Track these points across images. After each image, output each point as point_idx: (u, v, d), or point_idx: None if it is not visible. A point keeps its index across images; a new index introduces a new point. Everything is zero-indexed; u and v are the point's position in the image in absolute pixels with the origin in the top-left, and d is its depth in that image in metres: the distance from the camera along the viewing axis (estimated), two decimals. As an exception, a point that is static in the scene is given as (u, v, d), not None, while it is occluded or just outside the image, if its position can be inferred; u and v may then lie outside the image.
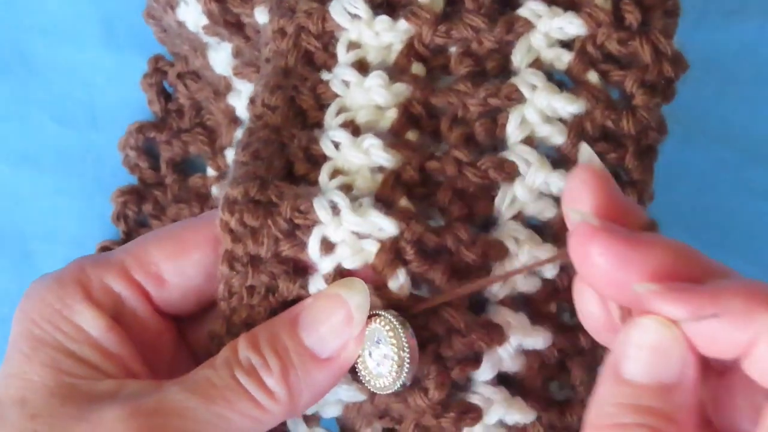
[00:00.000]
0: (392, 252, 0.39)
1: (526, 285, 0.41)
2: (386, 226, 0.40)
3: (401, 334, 0.39)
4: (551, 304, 0.42)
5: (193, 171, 0.56)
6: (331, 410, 0.42)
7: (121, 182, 0.56)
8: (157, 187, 0.55)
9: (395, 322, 0.39)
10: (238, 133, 0.49)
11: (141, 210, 0.55)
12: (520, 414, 0.41)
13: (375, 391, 0.40)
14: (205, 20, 0.49)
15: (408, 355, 0.39)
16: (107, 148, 0.57)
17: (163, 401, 0.38)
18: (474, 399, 0.40)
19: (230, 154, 0.52)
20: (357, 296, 0.39)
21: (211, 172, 0.54)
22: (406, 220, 0.40)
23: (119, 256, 0.43)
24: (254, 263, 0.41)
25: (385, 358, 0.39)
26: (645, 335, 0.32)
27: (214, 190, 0.53)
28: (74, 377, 0.40)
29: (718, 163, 0.55)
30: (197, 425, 0.38)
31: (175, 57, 0.55)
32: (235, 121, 0.52)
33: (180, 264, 0.42)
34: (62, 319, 0.41)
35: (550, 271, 0.41)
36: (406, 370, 0.39)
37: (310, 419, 0.43)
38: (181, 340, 0.44)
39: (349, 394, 0.41)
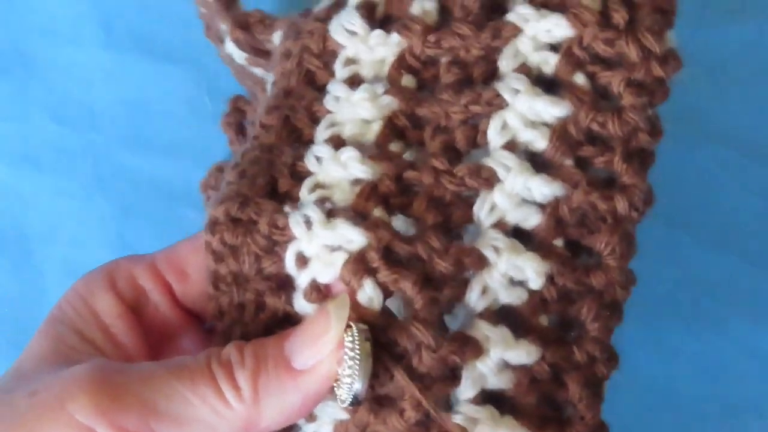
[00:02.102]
0: (359, 262, 0.38)
1: (509, 296, 0.39)
2: (355, 237, 0.39)
3: (357, 346, 0.37)
4: (541, 316, 0.40)
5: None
6: (325, 429, 0.42)
7: (122, 182, 0.56)
8: None
9: (356, 333, 0.38)
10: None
11: None
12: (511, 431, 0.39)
13: (341, 404, 0.39)
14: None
15: (358, 368, 0.37)
16: (107, 148, 0.57)
17: (131, 366, 0.39)
18: (457, 419, 0.38)
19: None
20: (339, 309, 0.38)
21: None
22: (374, 229, 0.39)
23: (153, 254, 0.44)
24: (239, 282, 0.41)
25: (344, 369, 0.38)
26: None
27: None
28: (72, 350, 0.41)
29: (718, 163, 0.55)
30: (154, 393, 0.37)
31: (251, 95, 0.55)
32: None
33: (203, 259, 0.43)
34: (82, 303, 0.42)
35: (535, 282, 0.39)
36: (356, 382, 0.37)
37: None
38: (207, 341, 0.44)
39: (333, 410, 0.40)
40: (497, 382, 0.39)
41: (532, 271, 0.39)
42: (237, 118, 0.55)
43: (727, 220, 0.54)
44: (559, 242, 0.40)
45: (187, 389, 0.38)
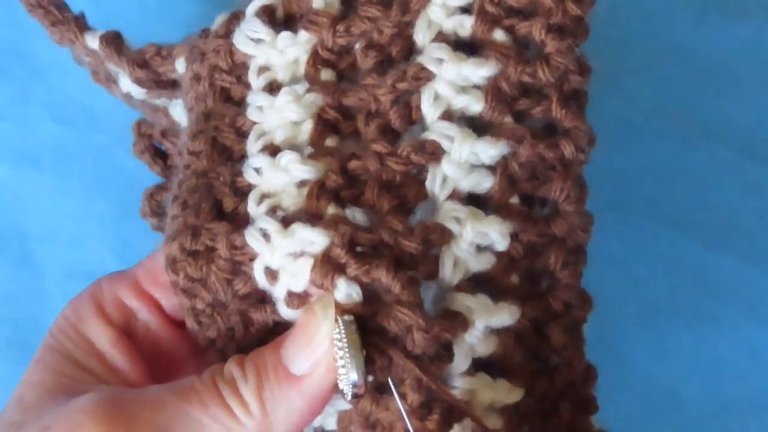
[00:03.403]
0: (326, 263, 0.38)
1: (479, 263, 0.39)
2: (315, 239, 0.38)
3: (344, 337, 0.37)
4: (512, 275, 0.40)
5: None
6: (330, 422, 0.42)
7: (122, 182, 0.56)
8: None
9: (342, 327, 0.37)
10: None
11: None
12: (507, 395, 0.39)
13: (344, 397, 0.39)
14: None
15: (350, 359, 0.37)
16: (107, 148, 0.57)
17: (139, 393, 0.39)
18: (456, 393, 0.38)
19: None
20: (326, 310, 0.38)
21: None
22: (333, 226, 0.38)
23: (133, 269, 0.44)
24: (219, 310, 0.41)
25: (338, 363, 0.38)
26: None
27: None
28: (73, 380, 0.41)
29: (718, 163, 0.55)
30: (167, 419, 0.38)
31: (153, 120, 0.55)
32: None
33: None
34: (73, 331, 0.42)
35: (501, 244, 0.39)
36: (350, 373, 0.37)
37: None
38: (202, 350, 0.44)
39: (337, 402, 0.40)
40: (485, 348, 0.39)
41: (497, 233, 0.39)
42: (146, 143, 0.55)
43: (727, 220, 0.54)
44: (515, 200, 0.40)
45: (198, 411, 0.38)
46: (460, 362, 0.38)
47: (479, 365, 0.39)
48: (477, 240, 0.39)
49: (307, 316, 0.38)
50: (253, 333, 0.41)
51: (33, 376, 0.41)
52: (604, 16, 0.57)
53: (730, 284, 0.54)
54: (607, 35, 0.56)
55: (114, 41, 0.47)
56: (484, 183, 0.40)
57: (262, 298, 0.40)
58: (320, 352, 0.38)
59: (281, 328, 0.40)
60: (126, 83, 0.48)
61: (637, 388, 0.53)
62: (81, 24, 0.48)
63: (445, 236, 0.39)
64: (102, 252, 0.56)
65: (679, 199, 0.55)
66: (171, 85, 0.48)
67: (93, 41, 0.47)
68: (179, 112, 0.49)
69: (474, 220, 0.39)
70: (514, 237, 0.39)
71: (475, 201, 0.40)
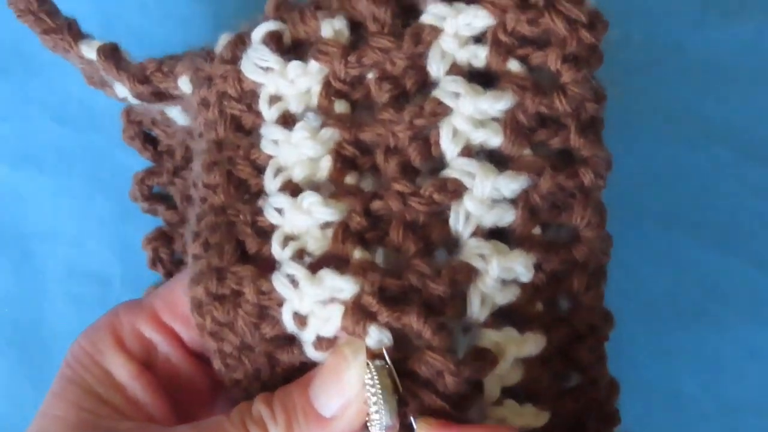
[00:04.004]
0: (357, 311, 0.38)
1: (505, 297, 0.39)
2: (345, 286, 0.38)
3: (377, 383, 0.37)
4: (536, 304, 0.40)
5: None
6: None
7: (122, 182, 0.56)
8: (182, 224, 0.55)
9: (374, 371, 0.38)
10: None
11: (174, 250, 0.55)
12: (535, 419, 0.39)
13: None
14: None
15: (384, 404, 0.37)
16: (107, 148, 0.57)
17: None
18: (488, 422, 0.39)
19: None
20: (358, 356, 0.38)
21: None
22: (362, 273, 0.38)
23: (151, 300, 0.44)
24: (246, 352, 0.41)
25: (371, 407, 0.38)
26: None
27: None
28: (96, 416, 0.40)
29: (718, 163, 0.55)
30: None
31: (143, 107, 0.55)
32: None
33: None
34: (93, 363, 0.42)
35: (525, 276, 0.39)
36: (384, 418, 0.37)
37: None
38: (222, 383, 0.44)
39: None
40: (512, 378, 0.39)
41: (521, 266, 0.39)
42: (135, 129, 0.55)
43: (727, 220, 0.54)
44: (536, 230, 0.40)
45: None
46: (491, 394, 0.39)
47: (507, 393, 0.39)
48: (503, 275, 0.39)
49: (336, 359, 0.39)
50: (279, 372, 0.41)
51: (53, 410, 0.41)
52: (604, 16, 0.57)
53: (730, 284, 0.54)
54: (607, 35, 0.56)
55: (112, 54, 0.46)
56: (507, 217, 0.40)
57: (290, 340, 0.40)
58: (350, 395, 0.38)
59: (307, 367, 0.40)
60: (122, 90, 0.48)
61: (637, 388, 0.53)
62: (75, 32, 0.47)
63: (471, 275, 0.39)
64: (102, 252, 0.56)
65: (679, 199, 0.54)
66: (171, 98, 0.47)
67: (89, 51, 0.46)
68: (176, 113, 0.49)
69: (499, 255, 0.39)
70: (537, 267, 0.39)
71: (496, 234, 0.40)
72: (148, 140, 0.56)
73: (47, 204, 0.56)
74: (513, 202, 0.40)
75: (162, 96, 0.47)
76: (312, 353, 0.40)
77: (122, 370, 0.42)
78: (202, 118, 0.43)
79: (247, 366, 0.41)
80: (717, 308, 0.54)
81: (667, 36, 0.56)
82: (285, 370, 0.41)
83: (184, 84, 0.45)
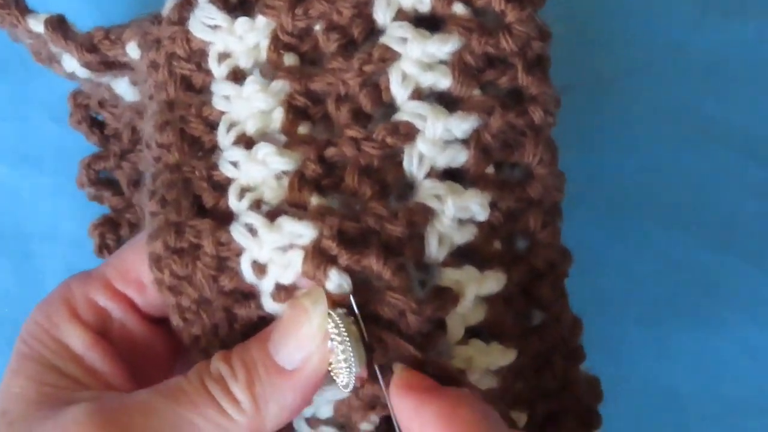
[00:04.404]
0: (317, 255, 0.38)
1: (462, 236, 0.40)
2: (304, 231, 0.39)
3: (344, 332, 0.38)
4: (494, 242, 0.41)
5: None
6: (324, 410, 0.42)
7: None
8: (128, 210, 0.55)
9: (338, 320, 0.38)
10: None
11: (120, 236, 0.55)
12: (501, 358, 0.40)
13: (343, 390, 0.39)
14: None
15: (352, 353, 0.38)
16: (107, 148, 0.57)
17: (128, 399, 0.39)
18: (453, 362, 0.39)
19: None
20: (318, 305, 0.38)
21: None
22: (320, 218, 0.39)
23: (102, 269, 0.44)
24: (204, 307, 0.41)
25: (338, 356, 0.38)
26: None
27: None
28: (56, 389, 0.40)
29: (718, 163, 0.55)
30: (161, 423, 0.38)
31: (90, 88, 0.55)
32: None
33: None
34: (48, 337, 0.42)
35: (481, 215, 0.40)
36: (354, 366, 0.38)
37: (312, 421, 0.43)
38: (171, 344, 0.44)
39: (333, 392, 0.41)
40: (476, 317, 0.40)
41: (477, 205, 0.40)
42: (82, 113, 0.55)
43: (727, 220, 0.54)
44: (490, 169, 0.41)
45: (190, 413, 0.38)
46: (454, 333, 0.39)
47: (472, 332, 0.40)
48: (459, 214, 0.40)
49: (296, 311, 0.39)
50: (237, 329, 0.41)
51: (12, 387, 0.40)
52: (604, 16, 0.57)
53: (730, 284, 0.54)
54: (607, 35, 0.56)
55: (60, 26, 0.47)
56: (460, 157, 0.40)
57: (247, 294, 0.41)
58: (312, 346, 0.38)
59: (264, 324, 0.41)
60: (70, 63, 0.48)
61: (637, 388, 0.53)
62: (22, 7, 0.48)
63: (428, 215, 0.39)
64: (102, 252, 0.56)
65: (679, 199, 0.54)
66: (119, 67, 0.47)
67: (36, 24, 0.47)
68: (123, 87, 0.50)
69: (454, 195, 0.40)
70: (493, 206, 0.40)
71: (450, 175, 0.40)
72: (95, 124, 0.56)
73: (47, 204, 0.56)
74: (465, 142, 0.40)
75: (110, 65, 0.47)
76: (270, 305, 0.40)
77: (78, 341, 0.42)
78: (152, 80, 0.44)
79: (205, 321, 0.41)
80: (717, 308, 0.54)
81: (667, 36, 0.56)
82: (243, 326, 0.41)
83: (132, 50, 0.45)
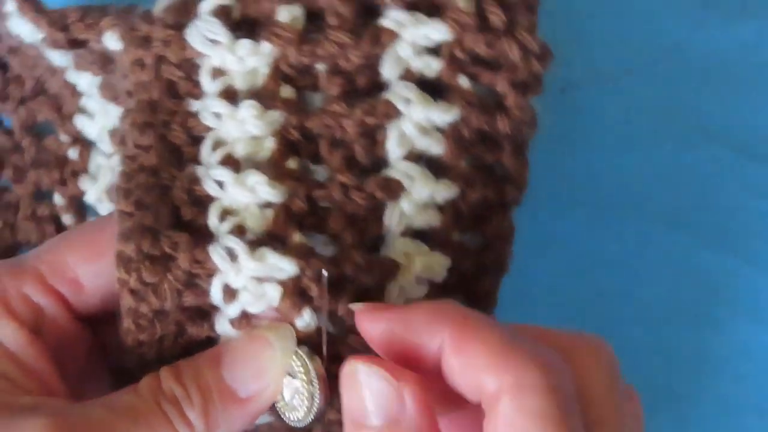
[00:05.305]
0: (296, 293, 0.40)
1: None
2: (286, 267, 0.40)
3: (310, 369, 0.39)
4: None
5: (47, 133, 0.54)
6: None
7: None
8: (14, 152, 0.54)
9: (305, 357, 0.39)
10: (83, 102, 0.50)
11: (0, 176, 0.54)
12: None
13: (290, 424, 0.40)
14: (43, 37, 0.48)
15: (318, 390, 0.39)
16: (107, 147, 0.57)
17: (88, 416, 0.38)
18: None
19: (79, 122, 0.51)
20: (284, 341, 0.39)
21: (64, 137, 0.53)
22: (304, 257, 0.40)
23: (33, 263, 0.43)
24: (160, 317, 0.41)
25: (297, 392, 0.39)
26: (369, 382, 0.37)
27: (71, 154, 0.52)
28: None
29: (718, 163, 0.55)
30: None
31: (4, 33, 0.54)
32: (76, 94, 0.51)
33: (96, 267, 0.42)
34: None
35: (441, 276, 0.42)
36: (317, 404, 0.39)
37: None
38: (94, 342, 0.44)
39: (262, 419, 0.42)
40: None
41: (440, 266, 0.42)
42: None
43: (727, 220, 0.54)
44: (456, 236, 0.43)
45: None
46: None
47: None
48: (423, 274, 0.41)
49: (257, 343, 0.40)
50: (180, 344, 0.42)
51: None
52: (604, 16, 0.57)
53: (730, 284, 0.54)
54: (607, 35, 0.56)
55: None
56: (433, 221, 0.42)
57: (204, 314, 0.41)
58: (269, 379, 0.39)
59: (209, 343, 0.42)
60: (21, 29, 0.48)
61: (637, 388, 0.53)
62: None
63: (395, 271, 0.41)
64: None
65: (679, 199, 0.54)
66: (78, 44, 0.47)
67: None
68: (84, 84, 0.50)
69: (421, 257, 0.42)
70: (451, 271, 0.42)
71: (420, 235, 0.42)
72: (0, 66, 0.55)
73: (47, 204, 0.56)
74: (440, 208, 0.42)
75: (76, 44, 0.47)
76: (225, 329, 0.41)
77: (12, 339, 0.41)
78: (134, 77, 0.43)
79: (156, 330, 0.41)
80: (717, 308, 0.54)
81: (667, 36, 0.56)
82: (187, 342, 0.42)
83: (111, 41, 0.45)
